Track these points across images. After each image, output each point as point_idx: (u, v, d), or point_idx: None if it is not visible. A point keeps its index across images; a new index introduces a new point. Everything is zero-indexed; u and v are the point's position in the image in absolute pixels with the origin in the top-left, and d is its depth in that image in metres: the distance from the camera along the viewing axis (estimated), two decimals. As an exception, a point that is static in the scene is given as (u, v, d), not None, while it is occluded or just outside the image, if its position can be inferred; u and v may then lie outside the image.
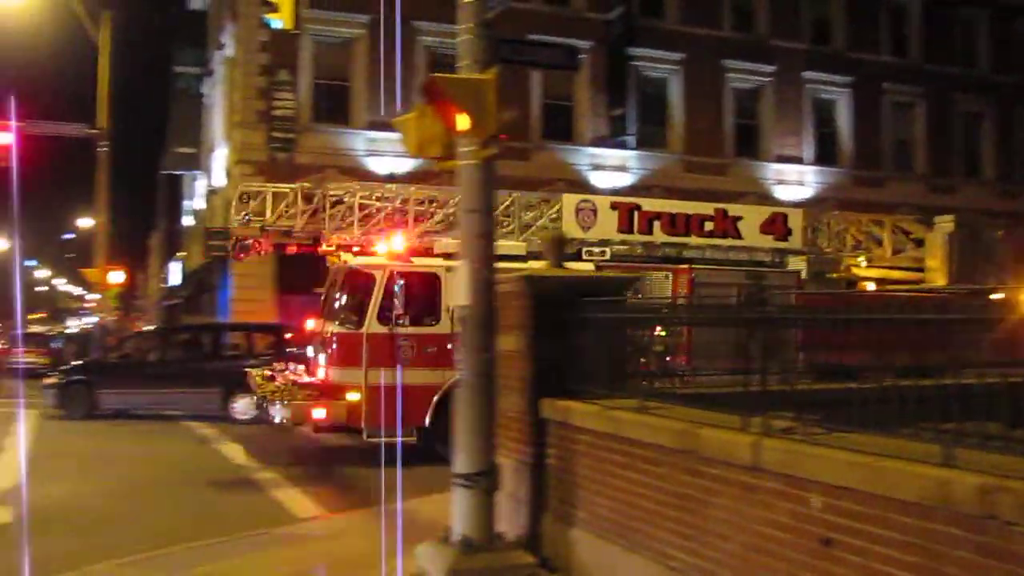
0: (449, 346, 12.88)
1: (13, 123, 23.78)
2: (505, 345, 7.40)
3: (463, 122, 6.70)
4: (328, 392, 13.29)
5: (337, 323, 13.61)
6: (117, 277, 27.78)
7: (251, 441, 15.25)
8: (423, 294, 13.81)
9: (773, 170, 31.96)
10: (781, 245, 16.16)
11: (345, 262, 14.12)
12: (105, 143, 25.00)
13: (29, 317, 66.09)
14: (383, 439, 12.68)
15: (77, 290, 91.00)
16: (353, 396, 13.02)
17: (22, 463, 12.82)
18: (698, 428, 5.62)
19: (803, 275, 15.83)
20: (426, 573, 7.06)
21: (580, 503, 6.90)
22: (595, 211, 15.29)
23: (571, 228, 15.00)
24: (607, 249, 15.13)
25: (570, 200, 15.44)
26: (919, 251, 17.19)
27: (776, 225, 16.11)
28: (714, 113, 31.37)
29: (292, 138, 27.05)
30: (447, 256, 13.66)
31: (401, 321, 13.15)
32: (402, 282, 13.17)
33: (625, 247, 15.46)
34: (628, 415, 6.36)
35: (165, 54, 38.64)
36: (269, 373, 14.52)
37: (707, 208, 16.21)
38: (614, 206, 15.71)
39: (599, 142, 29.99)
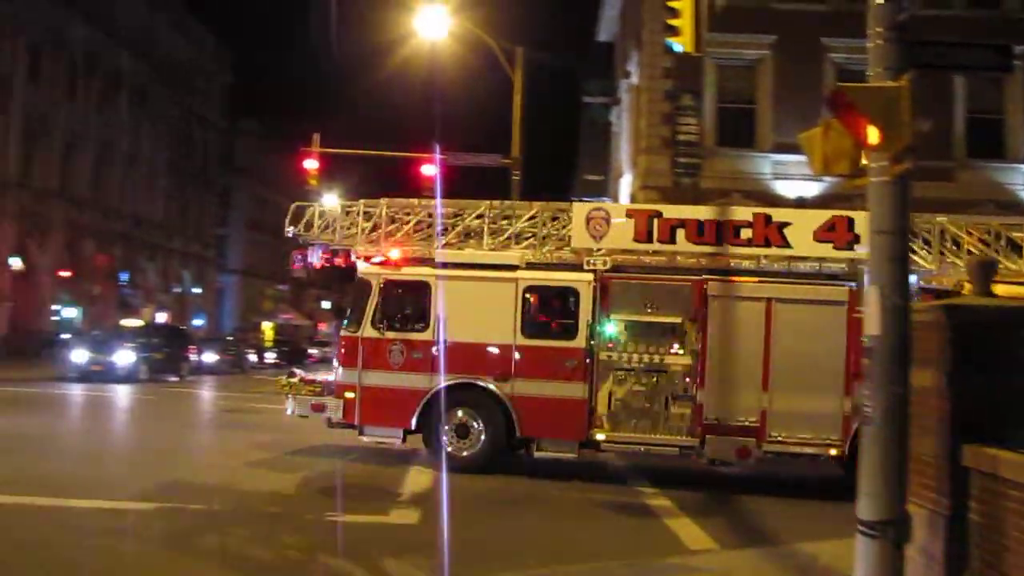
0: (435, 351, 13.80)
1: (437, 155, 25.94)
2: (919, 381, 6.64)
3: (873, 135, 6.12)
4: (333, 390, 14.44)
5: (345, 327, 14.68)
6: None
7: (645, 460, 15.17)
8: (414, 301, 14.32)
9: None
10: (845, 255, 13.40)
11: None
12: (518, 172, 26.36)
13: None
14: (377, 437, 14.17)
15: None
16: (350, 395, 14.02)
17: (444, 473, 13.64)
18: None
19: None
20: (824, 626, 6.50)
21: (1011, 569, 5.99)
22: (607, 219, 14.01)
23: (582, 238, 13.96)
24: (607, 259, 13.84)
25: (581, 209, 14.38)
26: None
27: (837, 232, 13.39)
28: None
29: (697, 163, 27.00)
30: (445, 265, 14.13)
31: (379, 326, 13.97)
32: (391, 289, 14.19)
33: (634, 256, 14.06)
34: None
35: (575, 85, 40.26)
36: (291, 371, 15.99)
37: (745, 213, 14.08)
38: (630, 214, 14.30)
39: (1038, 158, 27.00)
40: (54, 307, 49.11)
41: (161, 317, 54.94)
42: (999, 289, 12.94)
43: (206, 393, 29.74)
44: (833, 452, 12.88)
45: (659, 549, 9.32)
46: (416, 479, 12.93)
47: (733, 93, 27.64)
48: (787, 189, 26.35)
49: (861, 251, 13.04)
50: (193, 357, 36.66)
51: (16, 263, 44.88)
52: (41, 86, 46.88)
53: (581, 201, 24.75)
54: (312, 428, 15.59)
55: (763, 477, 14.05)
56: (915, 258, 13.29)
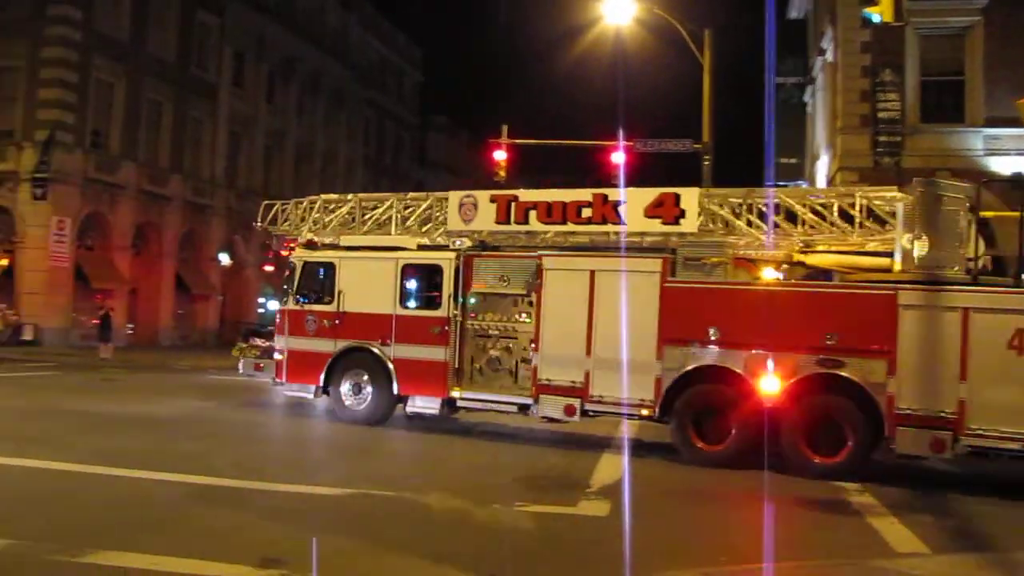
0: (338, 321, 16.31)
1: (622, 143, 25.61)
2: None
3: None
4: (270, 354, 17.55)
5: (280, 302, 17.81)
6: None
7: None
8: (324, 279, 16.75)
9: None
10: (672, 229, 14.29)
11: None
12: (708, 157, 25.65)
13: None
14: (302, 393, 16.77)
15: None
16: (279, 357, 16.94)
17: (625, 459, 13.47)
18: None
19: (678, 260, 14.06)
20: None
21: None
22: (476, 205, 15.79)
23: (455, 222, 15.87)
24: (465, 239, 15.93)
25: (455, 197, 16.11)
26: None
27: (665, 207, 14.33)
28: None
29: (898, 141, 25.58)
30: (349, 249, 16.69)
31: (299, 300, 16.83)
32: (308, 268, 16.92)
33: (488, 236, 15.82)
34: None
35: (765, 66, 38.94)
36: (248, 338, 19.48)
37: (585, 194, 15.20)
38: (493, 199, 15.78)
39: None
40: (259, 300, 51.57)
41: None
42: (828, 259, 14.24)
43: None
44: (644, 412, 13.86)
45: (862, 550, 8.70)
46: (606, 470, 12.62)
47: (938, 65, 25.96)
48: (1002, 165, 24.54)
49: (686, 225, 14.13)
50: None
51: (224, 259, 47.41)
52: (244, 92, 49.31)
53: (783, 185, 23.89)
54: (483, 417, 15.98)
55: (976, 477, 13.04)
56: (751, 230, 14.01)
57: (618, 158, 27.79)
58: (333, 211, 17.47)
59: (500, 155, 28.90)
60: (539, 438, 15.70)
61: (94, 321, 35.96)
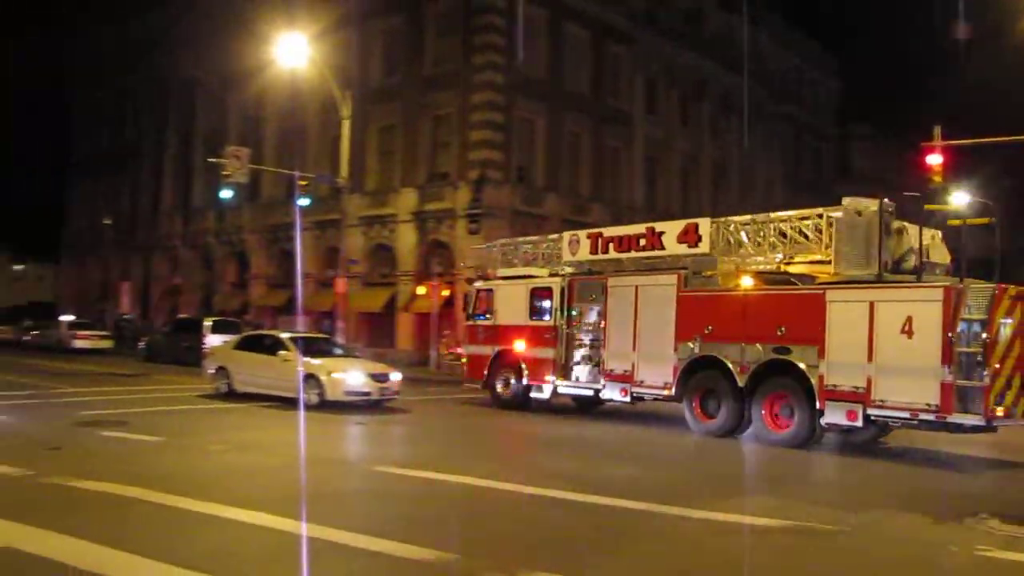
0: (494, 332, 22.38)
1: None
2: None
3: None
4: (462, 356, 24.58)
5: (466, 320, 23.97)
6: None
7: None
8: (487, 301, 22.79)
9: None
10: (691, 251, 18.42)
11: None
12: None
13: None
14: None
15: None
16: (464, 360, 23.97)
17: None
18: None
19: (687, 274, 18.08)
20: None
21: None
22: (578, 241, 21.22)
23: (566, 255, 21.48)
24: (565, 267, 21.52)
25: (566, 235, 21.77)
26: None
27: (689, 235, 18.58)
28: None
29: None
30: (503, 278, 22.85)
31: (473, 317, 23.13)
32: (478, 294, 23.25)
33: (589, 264, 21.06)
34: None
35: None
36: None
37: (642, 228, 19.99)
38: (589, 236, 21.07)
39: None
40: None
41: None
42: (803, 268, 17.35)
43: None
44: (666, 392, 18.00)
45: None
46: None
47: None
48: None
49: (702, 247, 18.32)
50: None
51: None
52: (658, 117, 49.92)
53: None
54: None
55: None
56: (753, 247, 17.74)
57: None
58: (506, 251, 24.00)
59: (934, 159, 26.21)
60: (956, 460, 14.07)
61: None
